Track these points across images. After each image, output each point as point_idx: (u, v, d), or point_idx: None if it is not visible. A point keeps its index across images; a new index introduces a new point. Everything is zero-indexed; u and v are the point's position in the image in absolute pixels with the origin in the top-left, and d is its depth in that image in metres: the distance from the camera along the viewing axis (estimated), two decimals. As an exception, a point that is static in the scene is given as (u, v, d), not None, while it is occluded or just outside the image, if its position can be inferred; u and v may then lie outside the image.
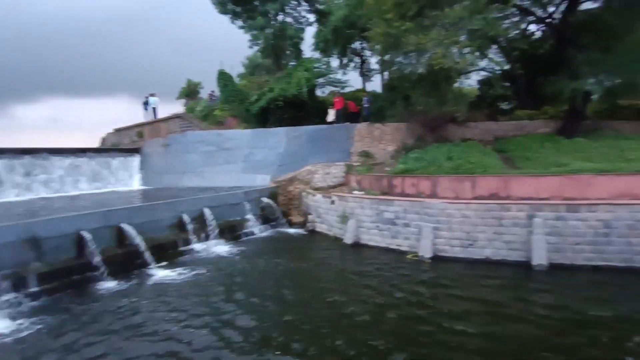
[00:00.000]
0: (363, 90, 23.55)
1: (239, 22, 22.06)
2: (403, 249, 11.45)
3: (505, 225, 10.12)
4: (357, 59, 25.79)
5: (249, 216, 14.94)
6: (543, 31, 18.85)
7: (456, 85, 19.81)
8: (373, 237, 12.25)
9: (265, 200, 15.84)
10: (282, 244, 13.63)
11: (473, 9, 12.61)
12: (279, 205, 16.28)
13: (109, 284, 9.29)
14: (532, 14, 17.74)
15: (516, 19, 18.61)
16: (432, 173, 12.87)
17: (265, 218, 15.59)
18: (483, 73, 21.71)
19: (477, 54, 17.15)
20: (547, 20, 17.43)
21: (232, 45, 28.69)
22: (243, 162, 18.64)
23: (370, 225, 12.32)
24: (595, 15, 16.41)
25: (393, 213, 11.76)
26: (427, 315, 7.22)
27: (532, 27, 19.43)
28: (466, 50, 13.37)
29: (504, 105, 21.28)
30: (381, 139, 17.88)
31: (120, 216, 10.83)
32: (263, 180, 17.30)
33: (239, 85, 22.74)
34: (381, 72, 22.83)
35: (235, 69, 30.12)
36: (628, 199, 10.00)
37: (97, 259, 9.53)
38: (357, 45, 24.41)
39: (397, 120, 17.88)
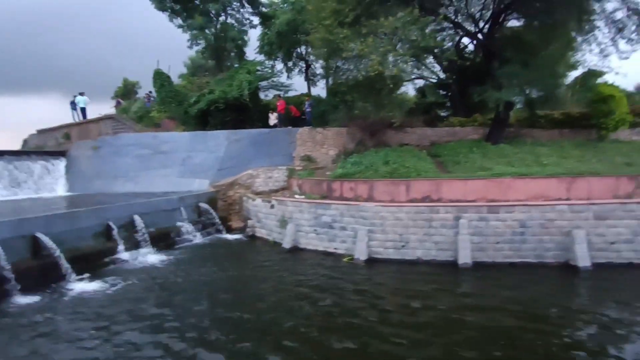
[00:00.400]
0: (308, 94, 23.66)
1: (178, 21, 21.25)
2: (340, 252, 11.57)
3: (435, 227, 10.60)
4: (302, 64, 25.91)
5: (185, 223, 14.33)
6: (474, 45, 20.12)
7: (398, 92, 20.78)
8: (311, 241, 12.27)
9: (203, 205, 15.30)
10: (219, 251, 13.21)
11: (407, 21, 13.16)
12: (218, 210, 15.80)
13: (22, 300, 8.41)
14: (464, 28, 18.96)
15: (451, 32, 19.86)
16: (369, 177, 13.17)
17: (203, 224, 15.04)
18: (420, 81, 22.89)
19: (412, 63, 18.02)
20: (477, 35, 18.70)
21: (174, 44, 27.61)
22: (180, 166, 17.89)
23: (309, 229, 12.34)
24: (518, 33, 17.91)
25: (330, 217, 11.87)
26: (360, 315, 7.34)
27: (466, 41, 20.69)
28: (401, 58, 13.89)
29: (442, 112, 22.50)
30: (323, 144, 18.05)
31: (36, 225, 9.84)
32: (201, 184, 16.71)
33: (178, 86, 21.85)
34: (325, 77, 23.11)
35: (177, 69, 29.02)
36: (542, 200, 10.92)
37: (7, 272, 8.58)
38: (302, 49, 24.53)
39: (339, 125, 18.17)
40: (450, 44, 21.29)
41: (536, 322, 6.91)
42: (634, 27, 13.97)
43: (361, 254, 10.95)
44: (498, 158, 13.96)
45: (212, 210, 15.44)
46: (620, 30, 14.32)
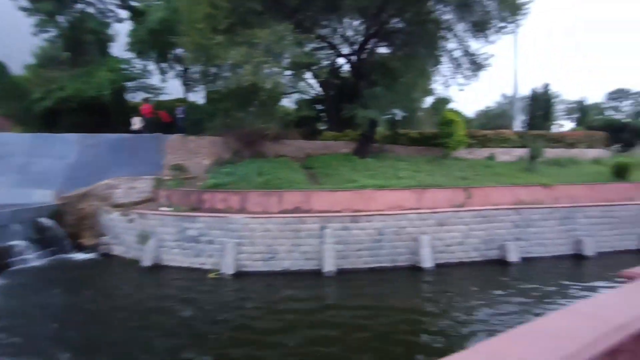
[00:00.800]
0: (184, 99, 22.29)
1: (21, 1, 17.93)
2: (207, 267, 10.94)
3: (302, 237, 10.82)
4: (179, 67, 24.35)
5: (19, 241, 11.92)
6: (349, 65, 21.66)
7: (277, 104, 21.10)
8: (175, 257, 11.35)
9: (44, 221, 12.95)
10: (63, 274, 11.26)
11: (281, 36, 13.39)
12: (65, 226, 13.55)
13: None
14: (338, 49, 20.31)
15: (329, 51, 21.08)
16: (242, 188, 12.88)
17: (45, 243, 12.70)
18: (300, 95, 23.68)
19: (290, 77, 18.54)
20: (349, 57, 20.21)
21: (22, 28, 23.11)
22: (17, 173, 14.90)
23: (173, 245, 11.40)
24: (384, 59, 19.94)
25: (197, 230, 11.17)
26: (219, 326, 6.93)
27: (342, 60, 22.13)
28: (277, 71, 14.07)
29: (321, 126, 23.58)
30: (197, 152, 17.10)
31: None
32: (43, 196, 14.14)
33: (18, 77, 18.34)
34: (202, 82, 22.09)
35: (23, 58, 24.39)
36: (398, 209, 12.11)
37: None
38: (180, 51, 23.05)
39: (215, 134, 17.47)
40: (327, 62, 22.75)
41: (387, 314, 7.70)
42: (467, 65, 16.76)
43: (228, 268, 10.52)
44: (364, 171, 15.07)
45: (56, 226, 13.17)
46: (458, 66, 17.05)
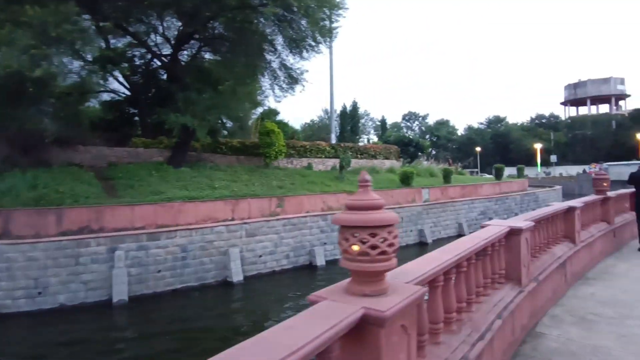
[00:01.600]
0: None
1: None
2: None
3: (84, 264, 8.94)
4: None
5: None
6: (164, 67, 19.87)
7: (83, 103, 17.68)
8: None
9: None
10: None
11: (60, 18, 11.05)
12: None
13: None
14: (150, 48, 18.38)
15: (144, 50, 18.85)
16: (5, 205, 9.96)
17: None
18: (108, 96, 20.49)
19: (88, 70, 15.77)
20: (163, 58, 18.53)
21: None
22: None
23: None
24: (203, 63, 19.03)
25: None
26: None
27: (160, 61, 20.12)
28: (55, 62, 11.55)
29: (136, 131, 20.83)
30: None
31: None
32: None
33: None
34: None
35: None
36: (211, 222, 11.38)
37: None
38: None
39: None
40: (142, 61, 20.40)
41: (194, 339, 6.76)
42: (284, 78, 17.45)
43: (-34, 316, 7.81)
44: (176, 182, 13.81)
45: None
46: (275, 78, 17.60)
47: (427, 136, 65.30)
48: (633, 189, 7.56)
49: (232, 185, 14.28)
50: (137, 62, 20.17)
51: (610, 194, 7.16)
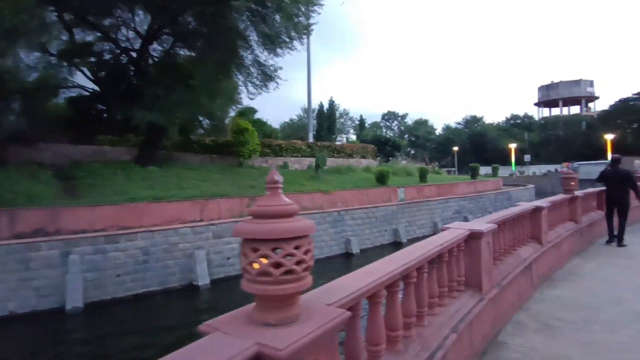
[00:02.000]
0: None
1: None
2: None
3: (35, 269, 8.33)
4: None
5: None
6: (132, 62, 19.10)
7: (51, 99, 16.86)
8: None
9: None
10: None
11: (16, 8, 10.33)
12: None
13: None
14: (117, 42, 17.63)
15: (112, 45, 18.05)
16: (-52, 207, 9.23)
17: None
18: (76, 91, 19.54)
19: (51, 63, 14.99)
20: (131, 53, 17.79)
21: None
22: None
23: None
24: (174, 57, 18.37)
25: None
26: None
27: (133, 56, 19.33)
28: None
29: (100, 128, 19.93)
30: None
31: None
32: None
33: None
34: None
35: None
36: (179, 223, 10.88)
37: None
38: None
39: None
40: (110, 56, 19.58)
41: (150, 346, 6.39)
42: (256, 75, 17.01)
43: None
44: (142, 181, 13.23)
45: None
46: (248, 75, 17.12)
47: (406, 136, 65.85)
48: (602, 187, 7.77)
49: (202, 184, 13.79)
50: (106, 57, 19.41)
51: (578, 193, 7.12)
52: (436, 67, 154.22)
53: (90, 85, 19.26)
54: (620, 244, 7.03)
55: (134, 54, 17.67)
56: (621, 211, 7.25)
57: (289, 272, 1.25)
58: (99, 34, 17.52)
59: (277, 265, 1.25)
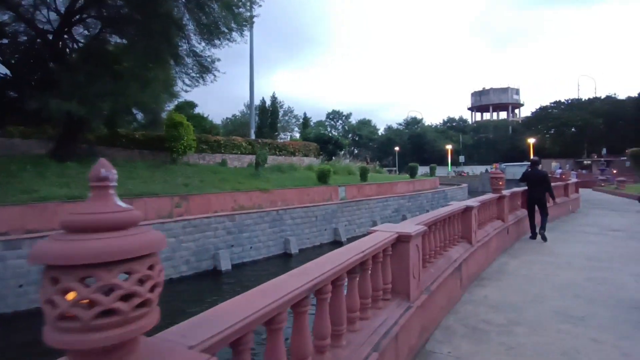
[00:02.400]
0: None
1: None
2: None
3: None
4: None
5: None
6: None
7: None
8: None
9: None
10: None
11: None
12: None
13: None
14: (28, 21, 15.61)
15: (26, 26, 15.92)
16: None
17: None
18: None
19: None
20: (47, 35, 15.87)
21: None
22: None
23: None
24: (102, 43, 16.68)
25: None
26: None
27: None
28: None
29: (10, 118, 17.56)
30: None
31: None
32: None
33: None
34: None
35: None
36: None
37: None
38: None
39: None
40: (25, 38, 17.32)
41: None
42: (192, 66, 16.01)
43: None
44: (56, 178, 11.81)
45: None
46: (184, 66, 16.06)
47: (350, 135, 66.91)
48: (525, 187, 8.29)
49: (127, 182, 12.59)
50: (21, 39, 17.17)
51: (505, 192, 7.39)
52: (381, 69, 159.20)
53: (2, 69, 16.97)
54: (542, 238, 7.52)
55: (48, 36, 15.76)
56: (541, 209, 7.86)
57: (109, 312, 0.84)
58: (13, 13, 15.44)
59: (92, 303, 0.83)
